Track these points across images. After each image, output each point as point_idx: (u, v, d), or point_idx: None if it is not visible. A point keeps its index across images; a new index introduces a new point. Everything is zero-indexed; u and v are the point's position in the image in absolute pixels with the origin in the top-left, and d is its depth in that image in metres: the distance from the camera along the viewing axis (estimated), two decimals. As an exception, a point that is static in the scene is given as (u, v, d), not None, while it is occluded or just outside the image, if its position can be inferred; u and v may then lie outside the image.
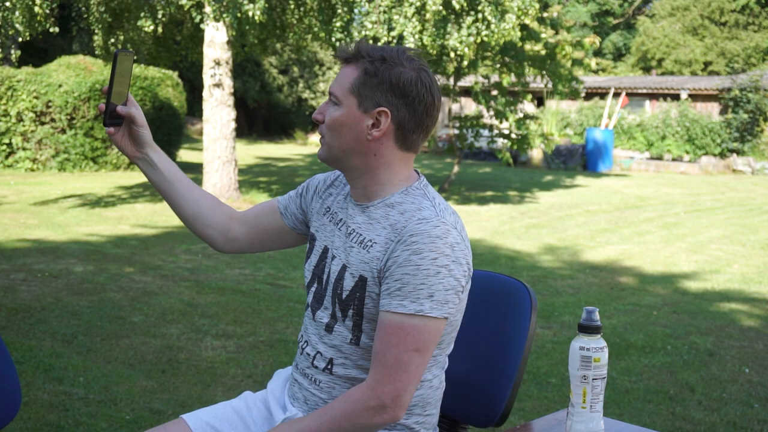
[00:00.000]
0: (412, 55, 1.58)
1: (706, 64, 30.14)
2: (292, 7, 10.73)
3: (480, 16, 9.85)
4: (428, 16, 9.67)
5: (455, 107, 20.56)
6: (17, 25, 9.21)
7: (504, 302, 1.88)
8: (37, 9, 9.24)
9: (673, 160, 19.99)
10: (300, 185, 1.78)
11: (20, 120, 13.85)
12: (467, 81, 15.58)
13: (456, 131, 13.37)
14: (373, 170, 1.58)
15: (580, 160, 19.26)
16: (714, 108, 20.69)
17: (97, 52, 12.17)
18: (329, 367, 1.60)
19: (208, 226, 1.77)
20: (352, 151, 1.57)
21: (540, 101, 21.36)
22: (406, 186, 1.60)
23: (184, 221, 1.79)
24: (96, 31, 11.37)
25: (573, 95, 13.61)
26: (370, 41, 10.74)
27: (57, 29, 9.74)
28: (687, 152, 20.04)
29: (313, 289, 1.66)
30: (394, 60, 1.55)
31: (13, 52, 10.26)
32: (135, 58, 1.88)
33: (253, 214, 1.79)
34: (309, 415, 1.55)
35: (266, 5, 9.36)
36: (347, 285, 1.57)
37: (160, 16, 10.20)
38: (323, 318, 1.62)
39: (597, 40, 17.37)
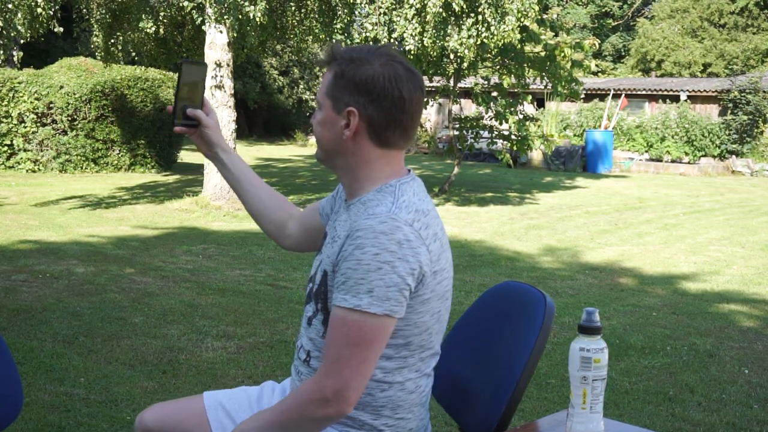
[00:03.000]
0: (384, 51, 1.58)
1: (706, 65, 30.15)
2: (293, 8, 10.74)
3: (480, 17, 9.86)
4: (428, 17, 9.68)
5: (455, 108, 20.57)
6: (19, 27, 9.22)
7: (518, 312, 1.84)
8: (39, 10, 9.25)
9: (673, 161, 19.99)
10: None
11: (21, 121, 13.86)
12: (467, 82, 15.59)
13: (456, 132, 13.38)
14: (353, 169, 1.62)
15: (580, 161, 19.27)
16: (713, 110, 20.69)
17: (97, 54, 12.16)
18: (308, 359, 1.66)
19: (270, 222, 1.90)
20: (335, 152, 1.62)
21: (540, 103, 21.37)
22: (384, 183, 1.61)
23: (251, 216, 1.93)
24: (96, 32, 11.37)
25: (573, 97, 13.61)
26: (371, 43, 10.76)
27: (61, 29, 9.75)
28: (686, 154, 20.05)
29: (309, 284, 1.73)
30: (362, 59, 1.57)
31: (15, 53, 10.26)
32: (206, 67, 1.91)
33: (304, 214, 1.88)
34: (271, 407, 1.60)
35: (267, 7, 9.37)
36: (317, 279, 1.64)
37: (161, 17, 10.20)
38: (308, 312, 1.68)
39: (596, 41, 17.40)
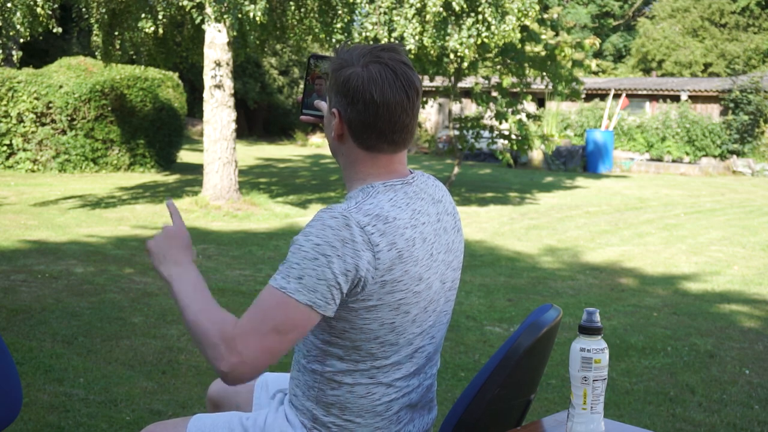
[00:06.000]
0: (377, 51, 1.55)
1: (707, 65, 30.15)
2: (293, 8, 10.74)
3: (480, 17, 9.85)
4: (428, 17, 9.67)
5: (455, 108, 20.57)
6: (18, 26, 9.21)
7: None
8: (39, 10, 9.25)
9: (673, 161, 19.99)
10: None
11: (21, 121, 13.85)
12: (468, 82, 15.59)
13: (456, 132, 13.37)
14: (344, 168, 1.65)
15: (581, 161, 19.26)
16: (714, 109, 20.69)
17: (97, 54, 12.16)
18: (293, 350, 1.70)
19: None
20: (333, 151, 1.66)
21: (540, 102, 21.37)
22: (368, 184, 1.60)
23: None
24: (96, 31, 11.36)
25: (573, 96, 13.62)
26: (371, 42, 10.75)
27: (60, 29, 9.75)
28: (687, 154, 20.04)
29: None
30: (350, 60, 1.56)
31: (14, 53, 10.26)
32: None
33: None
34: (203, 298, 1.56)
35: (267, 6, 9.37)
36: None
37: (160, 17, 10.20)
38: None
39: (597, 41, 17.38)
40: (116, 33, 11.55)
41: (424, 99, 13.88)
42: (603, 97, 22.09)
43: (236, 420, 1.73)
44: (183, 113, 16.01)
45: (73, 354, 4.15)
